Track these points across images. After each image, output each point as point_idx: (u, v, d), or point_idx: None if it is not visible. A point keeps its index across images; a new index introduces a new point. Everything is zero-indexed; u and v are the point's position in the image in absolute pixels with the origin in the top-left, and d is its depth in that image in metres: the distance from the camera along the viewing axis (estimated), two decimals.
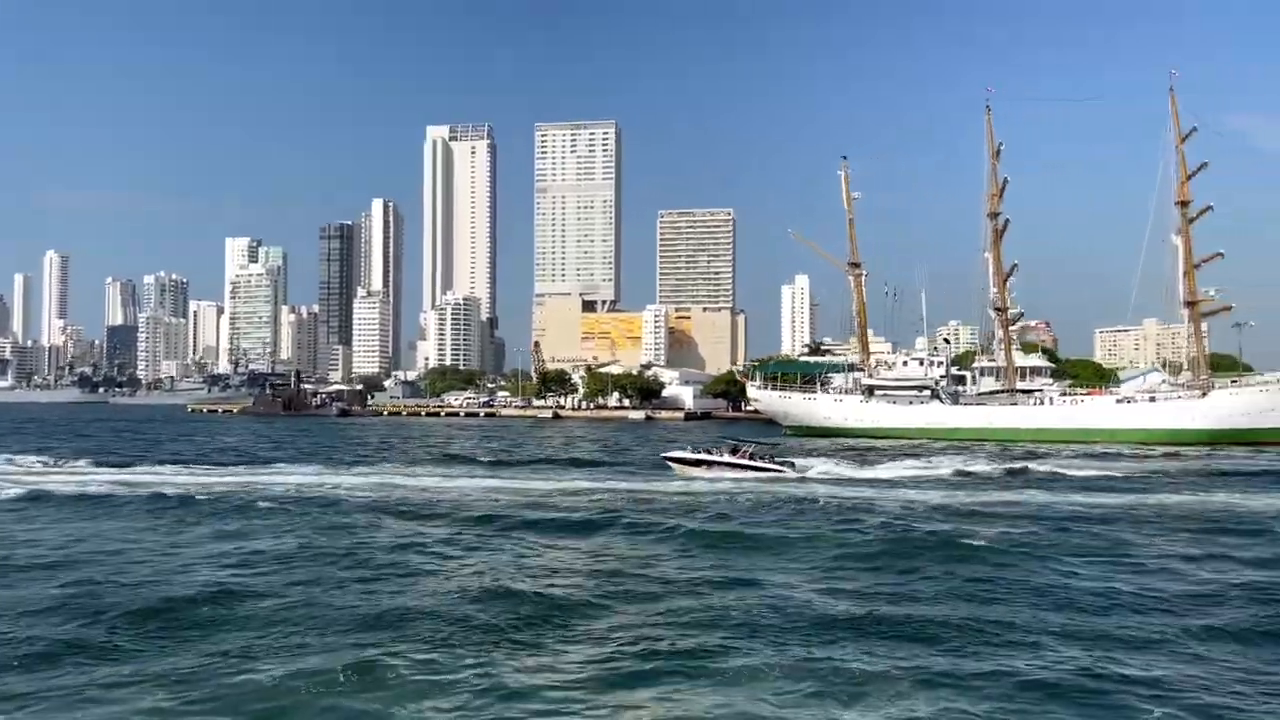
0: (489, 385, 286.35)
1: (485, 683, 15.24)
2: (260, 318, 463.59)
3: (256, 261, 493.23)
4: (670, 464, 49.60)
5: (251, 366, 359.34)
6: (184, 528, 31.57)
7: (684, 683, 15.36)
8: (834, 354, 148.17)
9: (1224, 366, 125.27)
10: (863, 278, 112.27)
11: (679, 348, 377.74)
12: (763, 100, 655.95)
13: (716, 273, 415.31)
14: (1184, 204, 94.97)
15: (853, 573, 24.02)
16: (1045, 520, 33.19)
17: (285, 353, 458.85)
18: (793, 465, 48.69)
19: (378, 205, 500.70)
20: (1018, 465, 56.53)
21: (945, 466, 54.81)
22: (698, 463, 47.72)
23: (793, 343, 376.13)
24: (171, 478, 46.93)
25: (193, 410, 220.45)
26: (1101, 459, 65.74)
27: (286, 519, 32.92)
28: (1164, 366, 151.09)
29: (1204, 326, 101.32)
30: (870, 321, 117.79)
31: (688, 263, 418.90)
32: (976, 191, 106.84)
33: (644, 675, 15.67)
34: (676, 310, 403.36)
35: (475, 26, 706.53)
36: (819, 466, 52.26)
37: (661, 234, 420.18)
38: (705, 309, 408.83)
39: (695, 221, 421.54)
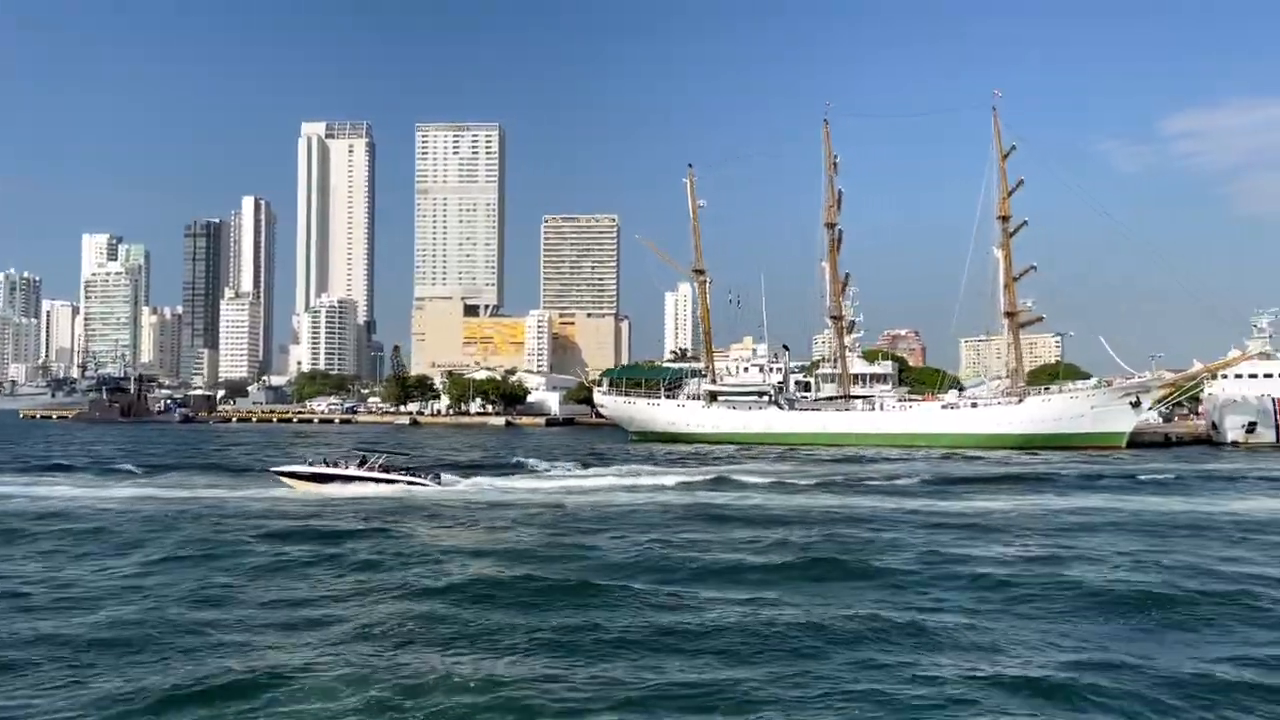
0: (362, 391, 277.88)
1: None
2: (118, 319, 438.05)
3: (116, 259, 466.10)
4: (282, 480, 43.30)
5: (101, 371, 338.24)
6: None
7: None
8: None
9: (1068, 375, 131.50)
10: (707, 284, 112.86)
11: (563, 353, 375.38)
12: (643, 108, 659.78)
13: (600, 278, 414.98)
14: (1004, 219, 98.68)
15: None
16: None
17: (146, 356, 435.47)
18: (438, 478, 44.17)
19: (248, 203, 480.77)
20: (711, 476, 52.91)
21: (670, 477, 50.87)
22: (317, 477, 42.17)
23: (677, 349, 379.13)
24: None
25: (25, 416, 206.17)
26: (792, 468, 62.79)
27: None
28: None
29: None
30: (713, 327, 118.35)
31: (572, 268, 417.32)
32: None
33: None
34: (560, 316, 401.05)
35: (355, 24, 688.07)
36: (477, 481, 47.37)
37: (545, 239, 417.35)
38: (589, 315, 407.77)
39: (579, 227, 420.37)
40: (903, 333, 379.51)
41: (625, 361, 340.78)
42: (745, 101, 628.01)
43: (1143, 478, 54.10)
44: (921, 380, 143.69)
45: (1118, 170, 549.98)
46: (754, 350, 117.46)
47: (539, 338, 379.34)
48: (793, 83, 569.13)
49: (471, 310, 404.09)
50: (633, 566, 24.72)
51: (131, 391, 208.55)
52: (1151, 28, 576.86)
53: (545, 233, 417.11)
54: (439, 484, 43.23)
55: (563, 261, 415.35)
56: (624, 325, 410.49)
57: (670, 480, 48.85)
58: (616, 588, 21.65)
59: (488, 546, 28.22)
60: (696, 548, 27.61)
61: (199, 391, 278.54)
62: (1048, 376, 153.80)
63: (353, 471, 42.41)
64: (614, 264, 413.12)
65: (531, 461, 63.22)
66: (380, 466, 42.97)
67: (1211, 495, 44.47)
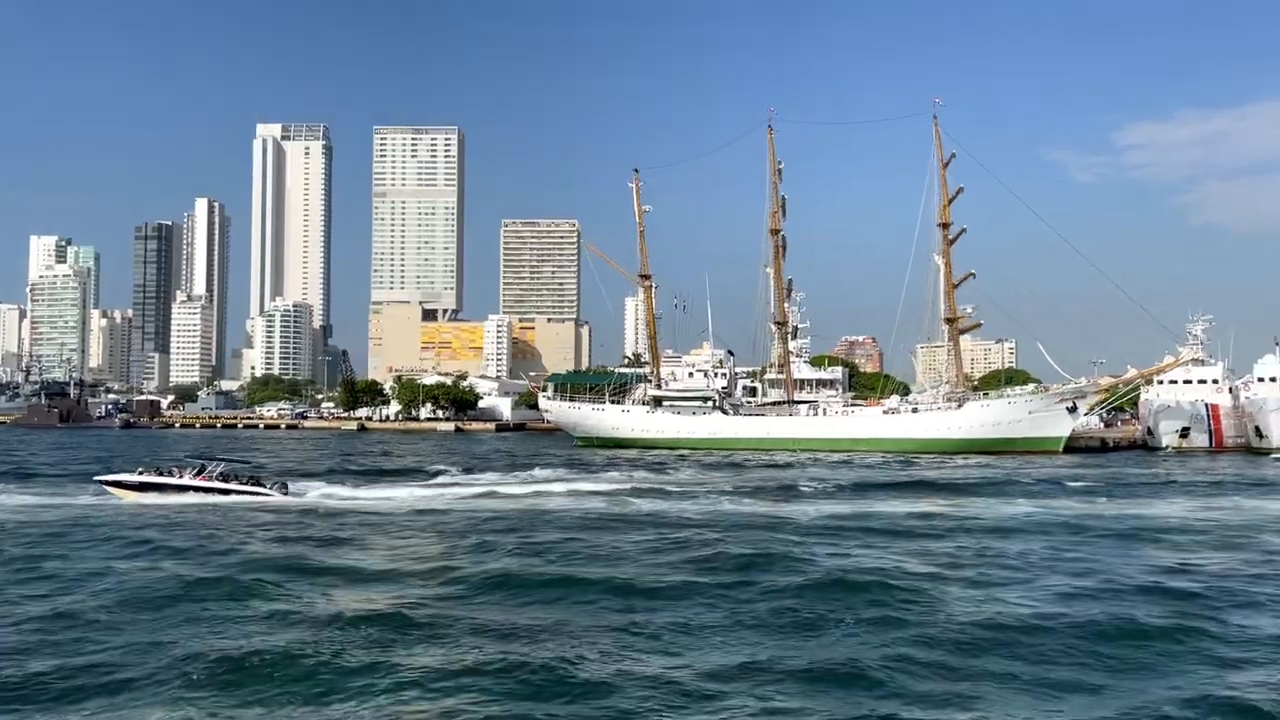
0: (316, 396, 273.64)
1: None
2: (66, 322, 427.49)
3: (65, 261, 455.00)
4: (108, 489, 40.35)
5: (46, 375, 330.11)
6: None
7: None
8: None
9: (1019, 380, 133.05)
10: (653, 289, 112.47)
11: (522, 358, 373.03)
12: (602, 112, 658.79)
13: (561, 283, 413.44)
14: (945, 226, 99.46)
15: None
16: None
17: (95, 360, 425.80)
18: (285, 487, 41.55)
19: (202, 205, 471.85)
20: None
21: (562, 484, 48.88)
22: (146, 486, 39.33)
23: (631, 354, 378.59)
24: None
25: None
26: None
27: None
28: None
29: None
30: (660, 332, 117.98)
31: (532, 273, 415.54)
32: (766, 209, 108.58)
33: None
34: (520, 321, 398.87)
35: (313, 26, 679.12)
36: (331, 490, 44.62)
37: (505, 243, 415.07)
38: (550, 320, 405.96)
39: (540, 231, 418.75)
40: (860, 339, 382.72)
41: (586, 367, 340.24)
42: (694, 101, 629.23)
43: (1032, 482, 54.72)
44: (870, 386, 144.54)
45: (1075, 181, 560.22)
46: (710, 356, 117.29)
47: (498, 342, 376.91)
48: (765, 83, 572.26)
49: (430, 315, 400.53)
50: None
51: (72, 396, 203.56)
52: (1105, 41, 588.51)
53: (505, 237, 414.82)
54: (285, 493, 40.81)
55: (523, 266, 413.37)
56: (585, 330, 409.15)
57: (561, 487, 47.13)
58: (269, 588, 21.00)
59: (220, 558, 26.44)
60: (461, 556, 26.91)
61: (144, 396, 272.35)
62: (998, 382, 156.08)
63: (187, 481, 39.84)
64: (575, 269, 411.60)
65: (440, 468, 61.68)
66: (219, 475, 40.48)
67: (1083, 499, 44.64)
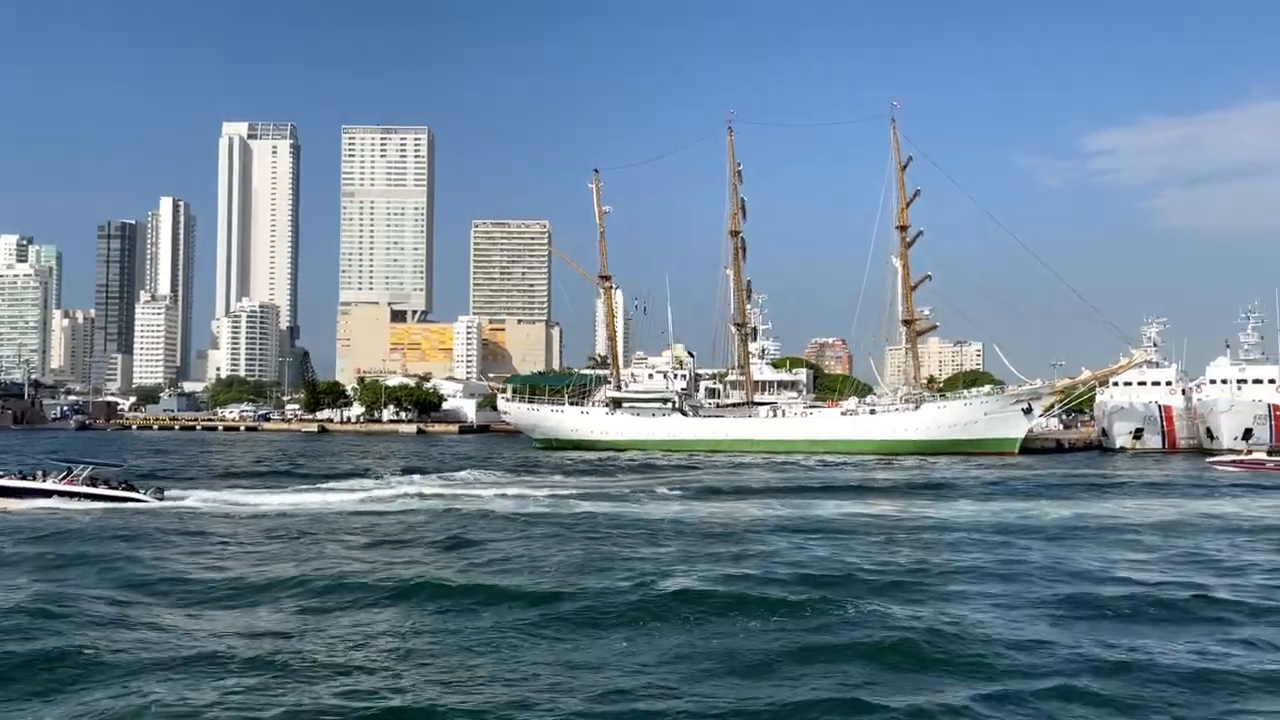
0: (282, 398, 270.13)
1: None
2: (27, 322, 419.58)
3: (26, 260, 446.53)
4: None
5: (6, 376, 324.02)
6: None
7: None
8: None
9: (984, 382, 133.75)
10: (613, 291, 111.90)
11: (493, 360, 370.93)
12: (573, 112, 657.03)
13: (532, 284, 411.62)
14: (903, 228, 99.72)
15: None
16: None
17: (57, 361, 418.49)
18: (160, 492, 39.74)
19: (166, 204, 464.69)
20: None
21: (475, 489, 46.81)
22: (5, 490, 37.04)
23: (596, 356, 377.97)
24: None
25: None
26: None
27: None
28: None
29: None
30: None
31: (503, 274, 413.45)
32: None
33: None
34: (491, 322, 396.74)
35: (281, 24, 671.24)
36: (212, 495, 42.42)
37: (475, 244, 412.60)
38: (520, 321, 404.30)
39: (510, 232, 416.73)
40: (830, 341, 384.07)
41: (557, 368, 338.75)
42: (667, 101, 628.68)
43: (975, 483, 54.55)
44: (833, 388, 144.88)
45: (1043, 185, 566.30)
46: (671, 358, 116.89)
47: (468, 344, 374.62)
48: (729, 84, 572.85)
49: (399, 316, 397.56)
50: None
51: (27, 397, 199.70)
52: (1073, 48, 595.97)
53: (475, 238, 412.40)
54: (160, 499, 39.06)
55: (493, 267, 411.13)
56: (555, 332, 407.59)
57: (482, 491, 45.23)
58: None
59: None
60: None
61: (104, 398, 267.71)
62: (961, 384, 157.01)
63: (50, 485, 37.92)
64: (545, 270, 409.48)
65: (375, 469, 60.07)
66: (86, 479, 38.63)
67: (1025, 500, 44.49)
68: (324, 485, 48.21)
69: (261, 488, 46.85)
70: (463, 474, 55.79)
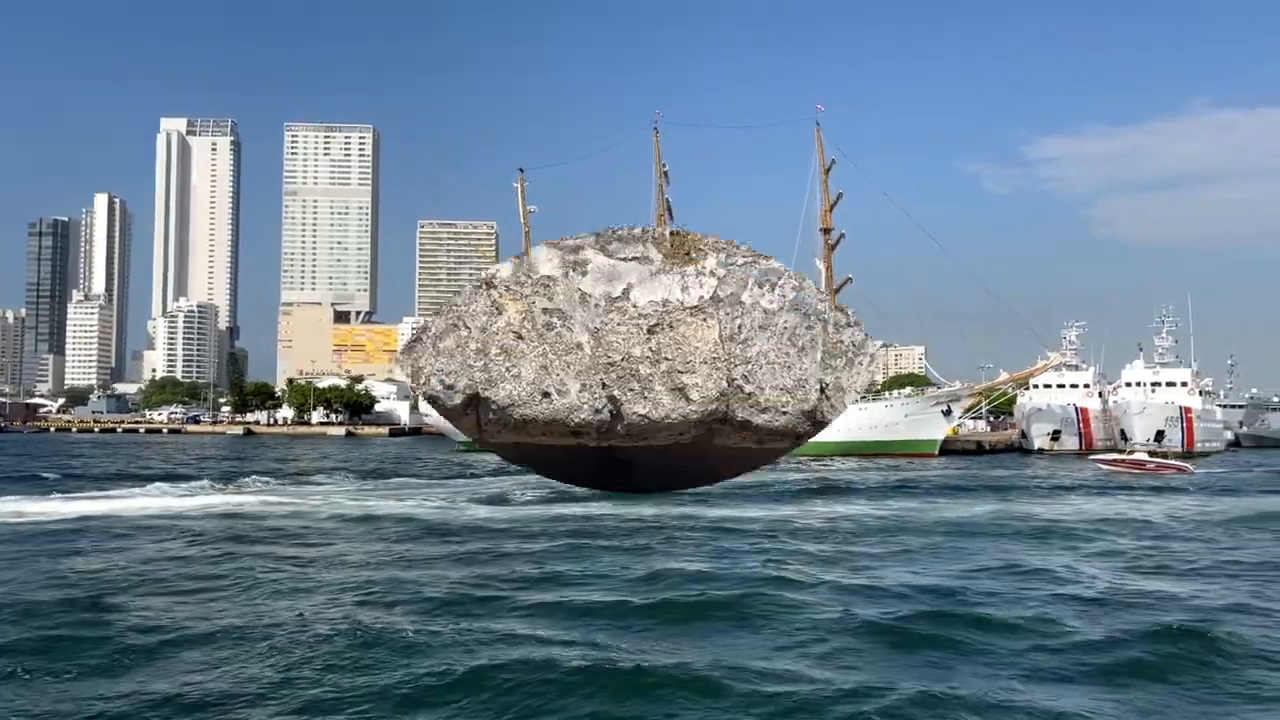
0: (218, 400, 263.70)
1: None
2: None
3: None
4: None
5: None
6: None
7: None
8: None
9: (916, 385, 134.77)
10: None
11: None
12: (522, 111, 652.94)
13: None
14: (826, 231, 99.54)
15: None
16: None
17: None
18: None
19: (101, 201, 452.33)
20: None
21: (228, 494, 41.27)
22: None
23: None
24: None
25: None
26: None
27: None
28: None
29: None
30: None
31: (449, 275, 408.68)
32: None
33: None
34: None
35: (222, 19, 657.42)
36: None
37: (421, 244, 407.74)
38: None
39: (457, 233, 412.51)
40: None
41: None
42: (614, 100, 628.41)
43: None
44: None
45: (989, 192, 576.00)
46: None
47: None
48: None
49: (342, 316, 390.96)
50: None
51: None
52: (1020, 55, 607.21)
53: (421, 238, 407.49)
54: None
55: (439, 268, 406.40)
56: None
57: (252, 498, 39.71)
58: None
59: None
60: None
61: (27, 399, 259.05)
62: (898, 386, 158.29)
63: None
64: None
65: (198, 475, 54.05)
66: None
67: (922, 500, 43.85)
68: (144, 488, 42.42)
69: (81, 493, 40.38)
70: (250, 479, 49.11)
